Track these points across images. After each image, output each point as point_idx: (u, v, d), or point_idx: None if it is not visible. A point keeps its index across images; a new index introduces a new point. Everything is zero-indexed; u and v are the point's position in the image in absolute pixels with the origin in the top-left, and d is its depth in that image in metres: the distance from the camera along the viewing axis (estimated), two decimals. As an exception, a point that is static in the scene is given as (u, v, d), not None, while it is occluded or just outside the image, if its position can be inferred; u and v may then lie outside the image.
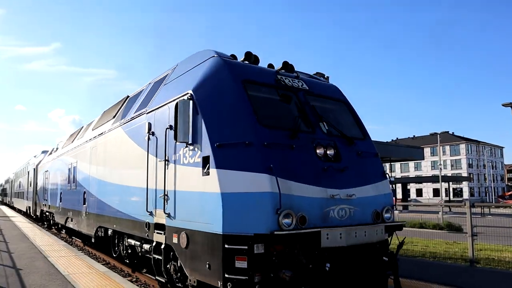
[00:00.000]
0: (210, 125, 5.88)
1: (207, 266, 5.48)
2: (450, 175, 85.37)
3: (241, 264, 5.07)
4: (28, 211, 26.83)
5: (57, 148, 19.78)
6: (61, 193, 16.05)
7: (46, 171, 20.28)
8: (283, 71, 7.21)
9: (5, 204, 53.72)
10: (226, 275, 5.14)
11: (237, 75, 6.36)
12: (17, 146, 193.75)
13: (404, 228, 6.89)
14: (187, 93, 6.47)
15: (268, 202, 5.15)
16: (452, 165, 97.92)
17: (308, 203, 5.47)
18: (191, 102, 6.27)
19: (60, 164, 16.76)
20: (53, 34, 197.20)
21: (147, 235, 7.46)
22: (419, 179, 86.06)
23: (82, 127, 15.86)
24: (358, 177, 6.31)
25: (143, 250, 7.96)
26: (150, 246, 7.42)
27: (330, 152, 6.24)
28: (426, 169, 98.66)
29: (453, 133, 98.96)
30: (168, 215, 6.58)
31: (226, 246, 5.16)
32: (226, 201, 5.28)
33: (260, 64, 7.18)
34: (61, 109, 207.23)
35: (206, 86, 6.40)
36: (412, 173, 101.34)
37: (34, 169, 24.74)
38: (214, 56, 6.77)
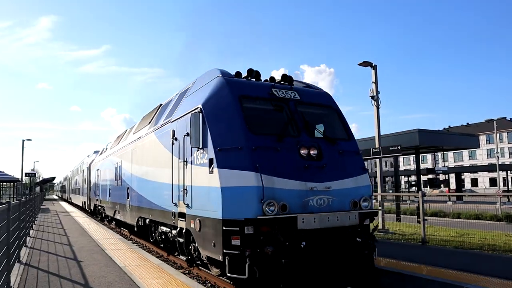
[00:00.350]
0: (213, 134, 7.36)
1: (213, 244, 6.98)
2: (508, 163, 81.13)
3: (235, 242, 6.49)
4: (84, 205, 29.38)
5: (106, 149, 22.10)
6: (109, 189, 18.16)
7: (97, 170, 22.30)
8: (282, 83, 8.70)
9: (64, 200, 56.88)
10: (225, 251, 6.59)
11: (235, 92, 7.80)
12: (74, 144, 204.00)
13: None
14: (198, 107, 7.99)
15: (254, 194, 6.57)
16: (510, 153, 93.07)
17: (289, 194, 6.83)
18: (200, 114, 7.74)
19: (109, 163, 18.84)
20: (103, 37, 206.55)
21: (173, 222, 9.18)
22: (474, 169, 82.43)
23: (126, 130, 17.75)
24: (337, 172, 7.56)
25: (172, 235, 9.68)
26: (176, 232, 9.16)
27: (313, 152, 7.53)
28: (481, 158, 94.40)
29: (511, 119, 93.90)
30: (187, 206, 8.18)
31: (224, 228, 6.58)
32: (224, 193, 6.73)
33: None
34: (112, 108, 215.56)
35: (211, 101, 7.87)
36: (466, 162, 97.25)
37: (88, 167, 27.01)
38: (218, 76, 8.28)
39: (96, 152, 27.53)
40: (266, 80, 8.91)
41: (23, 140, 47.90)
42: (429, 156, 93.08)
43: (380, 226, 14.95)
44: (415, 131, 23.22)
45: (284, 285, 6.49)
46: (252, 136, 7.23)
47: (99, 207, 21.99)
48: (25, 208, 11.97)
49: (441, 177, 43.69)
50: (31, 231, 15.37)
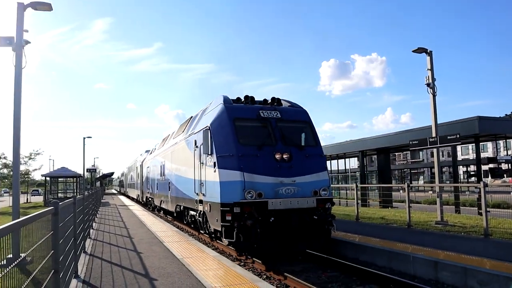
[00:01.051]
0: (216, 145, 10.42)
1: (216, 220, 9.99)
2: None
3: (228, 217, 9.46)
4: (138, 198, 33.53)
5: (154, 149, 25.67)
6: (156, 183, 21.70)
7: (147, 167, 26.16)
8: (268, 104, 11.61)
9: (122, 193, 59.45)
10: (222, 223, 9.60)
11: (231, 115, 10.78)
12: (131, 140, 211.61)
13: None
14: (207, 126, 11.03)
15: (239, 186, 9.61)
16: None
17: (264, 186, 9.76)
18: (209, 131, 10.76)
19: (156, 162, 22.40)
20: (155, 35, 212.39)
21: (196, 207, 12.36)
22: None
23: (169, 134, 20.67)
24: (301, 170, 10.34)
25: (196, 217, 12.70)
26: (197, 214, 12.43)
27: (285, 156, 10.35)
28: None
29: None
30: (203, 194, 11.27)
31: (221, 208, 9.59)
32: (221, 185, 9.83)
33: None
34: (165, 105, 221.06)
35: (216, 122, 10.91)
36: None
37: (140, 165, 30.85)
38: (221, 104, 11.26)
39: (147, 151, 31.04)
40: (265, 100, 11.81)
41: (84, 138, 50.03)
42: (490, 145, 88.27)
43: (439, 218, 14.42)
44: (475, 118, 22.06)
45: (258, 245, 9.51)
46: (240, 147, 10.23)
47: (150, 199, 25.33)
48: (88, 202, 12.56)
49: (504, 166, 41.38)
50: (93, 224, 16.12)
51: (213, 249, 11.30)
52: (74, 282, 6.92)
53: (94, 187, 50.74)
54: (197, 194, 12.01)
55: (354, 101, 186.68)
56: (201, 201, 11.67)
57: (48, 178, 40.15)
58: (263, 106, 11.46)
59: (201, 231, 13.53)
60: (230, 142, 10.36)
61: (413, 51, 15.90)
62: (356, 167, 45.84)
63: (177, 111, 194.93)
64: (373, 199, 27.81)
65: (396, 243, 10.26)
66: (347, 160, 38.16)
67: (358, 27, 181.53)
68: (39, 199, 56.65)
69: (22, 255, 3.21)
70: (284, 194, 9.95)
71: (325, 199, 10.40)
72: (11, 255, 2.95)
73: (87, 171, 56.13)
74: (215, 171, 10.20)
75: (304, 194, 10.15)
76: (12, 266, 2.66)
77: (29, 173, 45.59)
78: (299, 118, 11.73)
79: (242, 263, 10.31)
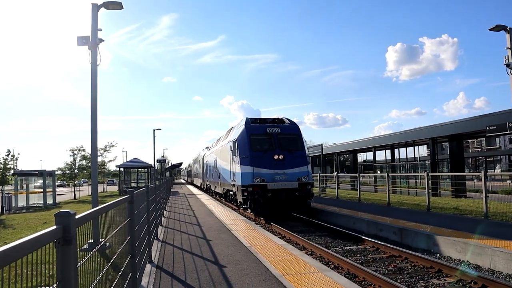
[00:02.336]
0: (239, 150, 16.64)
1: (239, 195, 16.38)
2: None
3: (245, 194, 15.73)
4: (200, 185, 41.45)
5: (210, 147, 33.58)
6: (212, 174, 28.36)
7: (206, 161, 33.32)
8: (274, 122, 17.92)
9: (190, 183, 61.64)
10: (242, 197, 16.06)
11: (248, 132, 16.76)
12: (197, 131, 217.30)
13: None
14: (235, 138, 17.37)
15: (250, 175, 15.67)
16: None
17: (265, 175, 15.65)
18: (236, 142, 17.18)
19: (211, 158, 28.71)
20: (218, 27, 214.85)
21: (232, 189, 18.62)
22: None
23: (220, 137, 27.09)
24: (290, 165, 16.11)
25: (232, 195, 18.96)
26: (233, 193, 18.45)
27: (281, 157, 16.11)
28: None
29: None
30: (234, 180, 17.58)
31: (242, 188, 15.85)
32: (242, 175, 16.08)
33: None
34: (230, 96, 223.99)
35: (239, 136, 17.02)
36: None
37: (202, 159, 38.10)
38: (243, 125, 17.37)
39: (206, 148, 38.75)
40: (273, 119, 18.54)
41: (154, 130, 52.26)
42: None
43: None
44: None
45: (261, 210, 15.75)
46: (252, 152, 16.36)
47: (208, 185, 32.72)
48: (159, 191, 13.07)
49: None
50: (164, 212, 16.80)
51: (280, 237, 11.33)
52: (148, 267, 7.24)
53: (164, 177, 52.87)
54: (231, 180, 18.63)
55: (423, 87, 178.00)
56: (233, 185, 18.36)
57: (122, 169, 42.41)
58: (270, 124, 17.87)
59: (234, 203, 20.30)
60: (246, 149, 16.75)
61: (490, 30, 14.88)
62: (426, 155, 43.92)
63: (242, 101, 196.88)
64: (444, 188, 26.54)
65: (472, 235, 9.71)
66: (415, 148, 36.58)
67: (427, 8, 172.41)
68: (114, 188, 60.07)
69: (102, 240, 3.38)
70: (278, 180, 16.03)
71: (305, 183, 16.36)
72: (91, 240, 3.13)
73: (157, 162, 58.60)
74: (238, 166, 16.82)
75: (290, 179, 16.18)
76: (94, 250, 2.81)
77: (105, 164, 48.47)
78: (292, 132, 17.84)
79: (309, 252, 10.27)
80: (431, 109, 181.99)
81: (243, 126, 17.50)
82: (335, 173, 25.77)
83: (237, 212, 18.58)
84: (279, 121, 18.38)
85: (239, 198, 16.81)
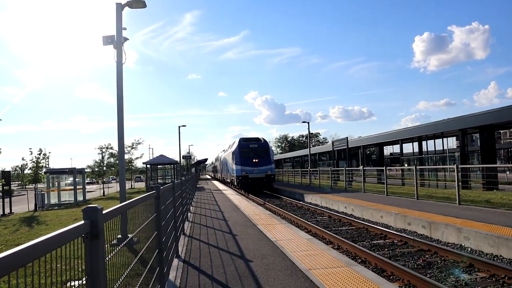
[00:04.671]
0: (235, 157, 32.79)
1: (235, 181, 32.52)
2: None
3: (238, 180, 31.78)
4: (219, 178, 55.60)
5: (224, 151, 47.43)
6: (223, 169, 44.95)
7: (221, 160, 48.97)
8: (255, 141, 33.86)
9: (215, 179, 62.21)
10: (236, 182, 32.27)
11: (240, 148, 32.64)
12: (223, 128, 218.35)
13: None
14: (233, 150, 33.92)
15: (240, 170, 31.66)
16: None
17: (248, 170, 31.54)
18: (234, 154, 33.29)
19: (223, 158, 45.77)
20: (241, 22, 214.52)
21: (232, 179, 34.82)
22: None
23: (229, 145, 41.14)
24: (262, 165, 31.84)
25: (233, 181, 34.19)
26: (233, 180, 34.00)
27: (256, 160, 31.86)
28: None
29: None
30: (233, 174, 33.60)
31: (236, 178, 31.98)
32: (236, 170, 32.11)
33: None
34: (254, 91, 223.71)
35: (235, 150, 32.99)
36: None
37: (219, 159, 54.53)
38: (237, 143, 33.58)
39: (223, 150, 51.22)
40: (255, 138, 34.75)
41: (179, 127, 52.86)
42: None
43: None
44: None
45: (246, 189, 31.13)
46: (241, 159, 31.94)
47: (223, 177, 47.65)
48: (185, 187, 13.21)
49: None
50: (191, 207, 16.98)
51: (306, 232, 11.30)
52: (175, 261, 7.34)
53: (190, 173, 53.37)
54: (232, 174, 33.53)
55: (452, 77, 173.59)
56: (233, 176, 32.86)
57: (148, 166, 42.99)
58: (253, 142, 33.09)
59: (232, 187, 35.81)
60: (238, 157, 31.90)
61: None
62: (455, 147, 42.92)
63: (266, 96, 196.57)
64: (475, 181, 25.90)
65: (505, 229, 9.44)
66: (444, 140, 35.77)
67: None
68: (141, 185, 61.10)
69: (130, 235, 3.44)
70: (254, 173, 31.14)
71: (269, 174, 31.48)
72: (120, 236, 3.18)
73: (183, 158, 59.20)
74: (234, 166, 32.20)
75: (261, 172, 31.22)
76: (122, 245, 2.85)
77: (132, 161, 49.45)
78: (264, 146, 33.10)
79: (336, 247, 10.21)
80: (461, 100, 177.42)
81: (237, 145, 33.41)
82: (361, 167, 25.49)
83: (263, 206, 18.65)
84: (257, 140, 34.14)
85: (235, 183, 32.76)
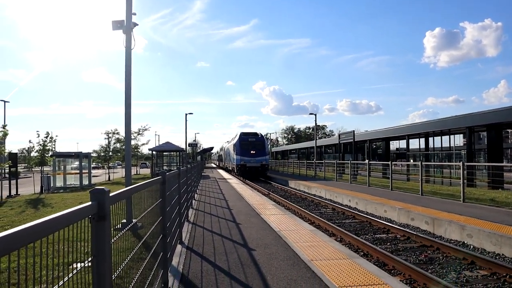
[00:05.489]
0: (236, 148, 39.23)
1: (235, 169, 39.47)
2: None
3: (237, 168, 38.56)
4: (223, 166, 61.08)
5: (227, 142, 54.13)
6: (226, 159, 51.86)
7: (225, 151, 55.37)
8: (253, 135, 40.42)
9: (221, 167, 62.55)
10: (236, 170, 39.15)
11: (240, 140, 39.07)
12: (230, 117, 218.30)
13: None
14: (234, 142, 40.58)
15: (240, 160, 38.07)
16: None
17: (246, 160, 37.77)
18: (234, 144, 40.28)
19: (226, 149, 51.56)
20: (251, 11, 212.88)
21: (233, 167, 41.47)
22: None
23: (232, 138, 46.80)
24: (258, 156, 38.05)
25: (234, 169, 41.40)
26: (234, 168, 40.82)
27: (253, 152, 38.08)
28: None
29: None
30: (233, 163, 40.68)
31: (236, 166, 38.69)
32: (236, 160, 38.69)
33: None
34: (262, 81, 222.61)
35: (236, 142, 39.39)
36: None
37: (223, 149, 59.91)
38: (238, 136, 39.95)
39: (227, 142, 58.08)
40: (253, 133, 41.42)
41: (186, 114, 53.05)
42: None
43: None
44: None
45: (244, 176, 36.70)
46: (241, 150, 38.23)
47: (225, 166, 54.30)
48: (190, 174, 13.25)
49: None
50: (195, 195, 17.05)
51: (309, 223, 11.33)
52: (179, 247, 7.39)
53: (195, 161, 53.57)
54: (233, 162, 40.25)
55: (462, 74, 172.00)
56: (233, 164, 40.24)
57: (154, 152, 43.17)
58: (251, 136, 39.64)
59: (233, 173, 41.99)
60: (238, 148, 38.30)
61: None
62: (462, 144, 42.69)
63: (274, 86, 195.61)
64: (480, 179, 25.77)
65: (509, 228, 9.41)
66: (451, 137, 35.55)
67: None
68: (147, 171, 61.38)
69: (134, 220, 3.47)
70: (251, 163, 37.49)
71: (264, 164, 38.04)
72: (124, 220, 3.20)
73: (188, 146, 59.30)
74: (235, 156, 39.00)
75: (257, 162, 37.57)
76: (126, 228, 2.88)
77: (138, 147, 49.55)
78: (260, 140, 39.57)
79: (338, 239, 10.23)
80: (470, 97, 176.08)
81: (238, 138, 39.66)
82: (366, 161, 25.44)
83: (267, 197, 18.70)
84: (255, 134, 40.55)
85: (235, 171, 39.46)
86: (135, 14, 11.41)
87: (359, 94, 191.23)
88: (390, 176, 20.21)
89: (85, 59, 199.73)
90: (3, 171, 28.69)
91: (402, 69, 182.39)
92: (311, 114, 52.60)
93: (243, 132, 40.72)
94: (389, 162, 21.17)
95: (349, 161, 27.15)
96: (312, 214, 14.04)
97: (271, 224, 9.86)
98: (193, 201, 14.79)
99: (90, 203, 1.96)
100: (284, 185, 29.58)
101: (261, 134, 40.91)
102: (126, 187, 10.73)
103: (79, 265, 1.91)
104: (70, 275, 1.74)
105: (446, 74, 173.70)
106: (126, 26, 11.16)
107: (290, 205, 17.03)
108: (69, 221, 1.67)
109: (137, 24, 11.42)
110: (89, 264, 2.00)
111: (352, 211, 14.85)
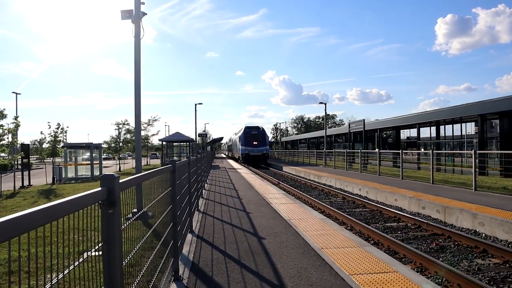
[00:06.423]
0: (241, 140, 46.81)
1: (241, 157, 46.58)
2: None
3: (242, 157, 45.72)
4: (231, 155, 66.56)
5: (235, 134, 62.01)
6: (234, 148, 59.91)
7: (233, 141, 62.06)
8: (255, 128, 48.86)
9: (230, 157, 62.95)
10: (241, 158, 46.24)
11: (245, 133, 46.43)
12: (240, 107, 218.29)
13: None
14: (240, 135, 49.07)
15: (244, 150, 45.22)
16: None
17: (250, 150, 44.98)
18: (240, 136, 48.58)
19: (233, 140, 60.69)
20: (260, 1, 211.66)
21: (239, 155, 49.59)
22: None
23: (238, 131, 56.67)
24: (259, 146, 45.18)
25: (240, 158, 48.57)
26: (240, 157, 48.25)
27: (256, 143, 45.27)
28: None
29: None
30: (239, 152, 48.82)
31: (242, 155, 46.05)
32: (241, 150, 46.21)
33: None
34: (272, 70, 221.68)
35: (242, 135, 47.13)
36: None
37: (232, 139, 64.93)
38: (243, 130, 47.96)
39: (234, 133, 63.19)
40: (256, 126, 49.97)
41: (196, 104, 53.14)
42: None
43: None
44: None
45: (248, 163, 43.32)
46: (245, 141, 45.53)
47: (233, 155, 60.28)
48: (200, 164, 13.29)
49: None
50: (205, 185, 17.12)
51: (319, 212, 11.31)
52: (189, 236, 7.44)
53: (205, 151, 53.83)
54: (239, 152, 47.98)
55: (474, 61, 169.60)
56: (239, 153, 47.54)
57: (164, 143, 43.34)
58: (254, 130, 47.41)
59: (239, 161, 49.02)
60: (243, 140, 45.57)
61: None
62: (473, 133, 42.21)
63: (283, 76, 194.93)
64: (492, 167, 25.50)
65: (521, 215, 9.31)
66: (463, 125, 35.15)
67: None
68: (157, 162, 61.71)
69: (144, 209, 3.48)
70: (254, 152, 44.57)
71: (265, 153, 45.31)
72: (135, 210, 3.22)
73: (198, 136, 59.56)
74: (240, 146, 46.56)
75: (259, 152, 44.67)
76: (136, 216, 2.89)
77: (148, 138, 49.79)
78: (262, 132, 47.17)
79: (349, 227, 10.23)
80: (482, 85, 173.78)
81: (243, 131, 46.72)
82: (376, 150, 25.30)
83: (277, 186, 18.71)
84: (257, 128, 48.01)
85: (241, 158, 45.82)
86: (143, 3, 11.40)
87: (369, 83, 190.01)
88: (400, 165, 20.08)
89: (95, 51, 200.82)
90: (16, 162, 29.03)
91: (413, 57, 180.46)
92: (321, 103, 53.19)
93: (247, 126, 49.29)
94: (400, 151, 21.03)
95: (359, 150, 27.01)
96: (322, 203, 14.02)
97: (281, 213, 9.87)
98: (203, 191, 14.86)
99: (100, 188, 1.96)
100: (294, 175, 29.56)
101: (262, 128, 49.72)
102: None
103: (91, 251, 1.92)
104: (81, 260, 1.75)
105: (458, 61, 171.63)
106: (135, 15, 11.15)
107: (300, 194, 17.03)
108: (80, 206, 1.67)
109: (146, 14, 11.40)
110: (99, 251, 2.01)
111: (362, 200, 14.81)
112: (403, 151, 22.36)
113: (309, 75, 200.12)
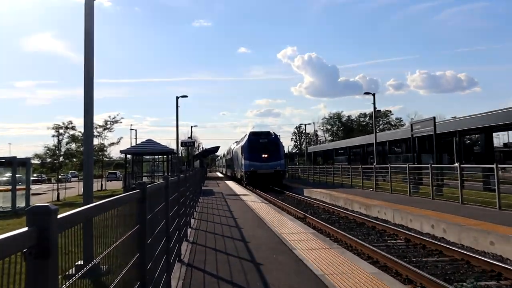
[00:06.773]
0: (244, 152, 53.44)
1: (244, 176, 53.12)
2: None
3: (246, 175, 51.84)
4: (231, 175, 72.80)
5: (236, 142, 69.75)
6: (235, 164, 65.52)
7: (232, 153, 70.40)
8: (264, 135, 54.90)
9: (229, 177, 63.62)
10: (245, 178, 52.72)
11: (249, 142, 53.25)
12: (244, 101, 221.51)
13: None
14: (242, 145, 55.52)
15: (248, 165, 51.47)
16: None
17: (256, 165, 50.91)
18: (242, 147, 54.93)
19: (234, 153, 67.92)
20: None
21: (241, 174, 55.82)
22: None
23: (241, 139, 64.46)
24: (270, 160, 51.37)
25: (242, 177, 55.17)
26: (243, 176, 54.57)
27: (266, 156, 51.42)
28: None
29: None
30: (242, 169, 54.44)
31: (245, 174, 52.40)
32: (244, 166, 52.34)
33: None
34: (291, 46, 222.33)
35: (244, 144, 53.98)
36: None
37: (232, 151, 72.21)
38: (247, 137, 54.72)
39: (235, 142, 70.53)
40: (264, 132, 56.44)
41: (177, 98, 52.20)
42: None
43: None
44: None
45: (253, 185, 49.41)
46: (249, 153, 51.73)
47: (234, 174, 66.55)
48: (185, 188, 13.19)
49: None
50: (191, 220, 17.10)
51: (369, 261, 11.21)
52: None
53: (192, 167, 53.94)
54: (241, 168, 53.86)
55: None
56: (242, 171, 53.72)
57: (129, 156, 43.26)
58: (263, 136, 53.38)
59: (245, 184, 51.96)
60: (247, 151, 51.76)
61: None
62: None
63: (310, 54, 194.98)
64: None
65: None
66: None
67: None
68: (118, 185, 61.40)
69: (96, 260, 3.35)
70: (263, 168, 49.67)
71: (278, 170, 50.14)
72: (81, 262, 3.13)
73: (181, 145, 59.19)
74: (243, 161, 52.35)
75: (270, 168, 49.92)
76: (78, 275, 2.73)
77: (104, 149, 49.32)
78: (274, 140, 53.51)
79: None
80: None
81: (247, 138, 53.12)
82: (456, 164, 25.17)
83: (302, 221, 18.69)
84: (268, 134, 53.89)
85: (244, 179, 51.23)
86: None
87: (441, 62, 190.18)
88: (496, 187, 19.89)
89: (25, 18, 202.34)
90: None
91: (508, 21, 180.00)
92: (366, 93, 52.00)
93: (252, 132, 55.01)
94: (494, 166, 20.84)
95: (429, 165, 26.89)
96: (374, 249, 13.94)
97: (310, 265, 9.80)
98: (188, 229, 14.81)
99: (26, 228, 1.90)
100: (328, 204, 29.56)
101: (274, 134, 55.09)
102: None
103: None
104: None
105: None
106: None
107: (339, 235, 16.98)
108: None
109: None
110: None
111: (437, 244, 14.74)
112: (499, 165, 22.17)
113: (348, 53, 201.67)
